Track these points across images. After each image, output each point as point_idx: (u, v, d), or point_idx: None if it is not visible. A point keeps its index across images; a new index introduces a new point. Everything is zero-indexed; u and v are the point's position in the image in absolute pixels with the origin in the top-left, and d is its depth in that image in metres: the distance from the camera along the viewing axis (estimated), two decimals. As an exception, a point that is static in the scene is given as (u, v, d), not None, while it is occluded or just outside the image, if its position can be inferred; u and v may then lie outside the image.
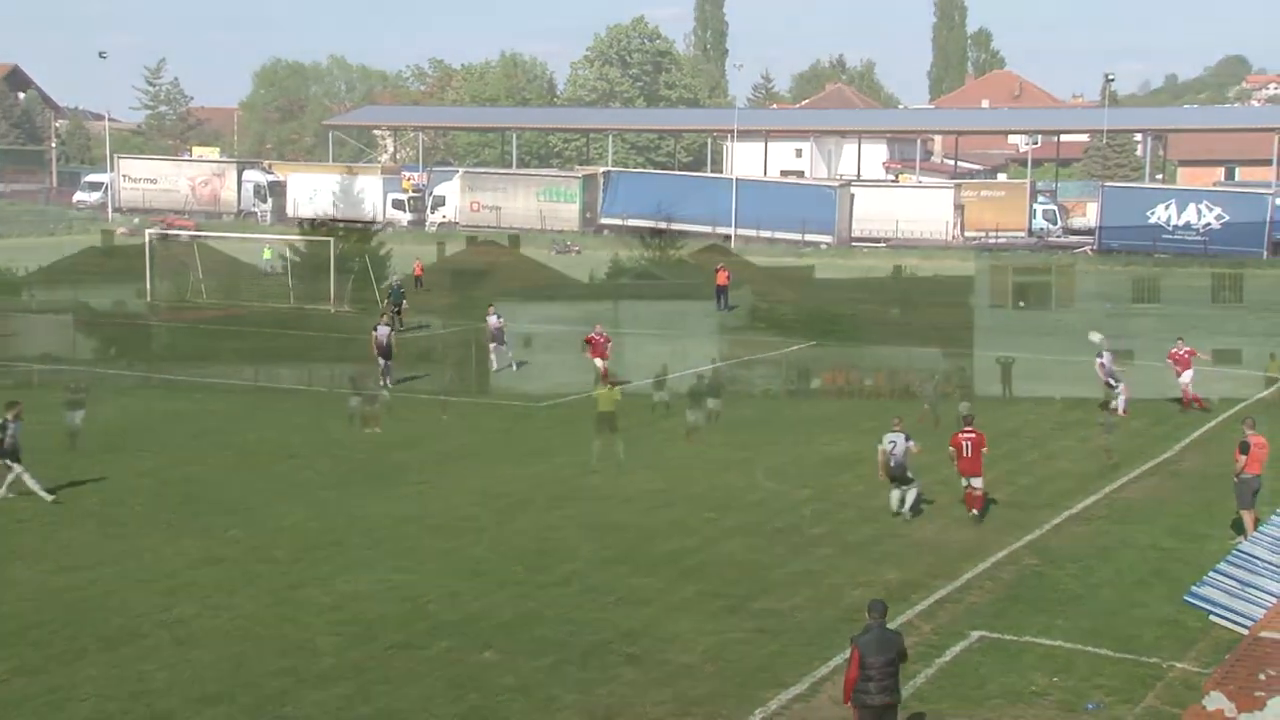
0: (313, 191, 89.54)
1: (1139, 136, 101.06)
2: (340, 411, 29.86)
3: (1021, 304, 50.73)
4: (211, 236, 64.19)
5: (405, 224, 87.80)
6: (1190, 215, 74.17)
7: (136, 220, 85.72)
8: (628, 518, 21.67)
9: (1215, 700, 12.39)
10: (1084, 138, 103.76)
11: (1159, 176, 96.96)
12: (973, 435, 21.55)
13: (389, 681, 14.64)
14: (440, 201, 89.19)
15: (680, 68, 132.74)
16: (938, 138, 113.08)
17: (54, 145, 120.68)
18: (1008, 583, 18.30)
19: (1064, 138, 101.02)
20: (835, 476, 24.68)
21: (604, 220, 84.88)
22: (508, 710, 13.98)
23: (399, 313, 41.56)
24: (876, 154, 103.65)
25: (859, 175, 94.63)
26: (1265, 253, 71.23)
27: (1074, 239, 79.78)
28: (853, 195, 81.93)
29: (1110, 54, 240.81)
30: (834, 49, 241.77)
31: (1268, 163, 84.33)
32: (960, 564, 18.95)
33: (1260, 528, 19.87)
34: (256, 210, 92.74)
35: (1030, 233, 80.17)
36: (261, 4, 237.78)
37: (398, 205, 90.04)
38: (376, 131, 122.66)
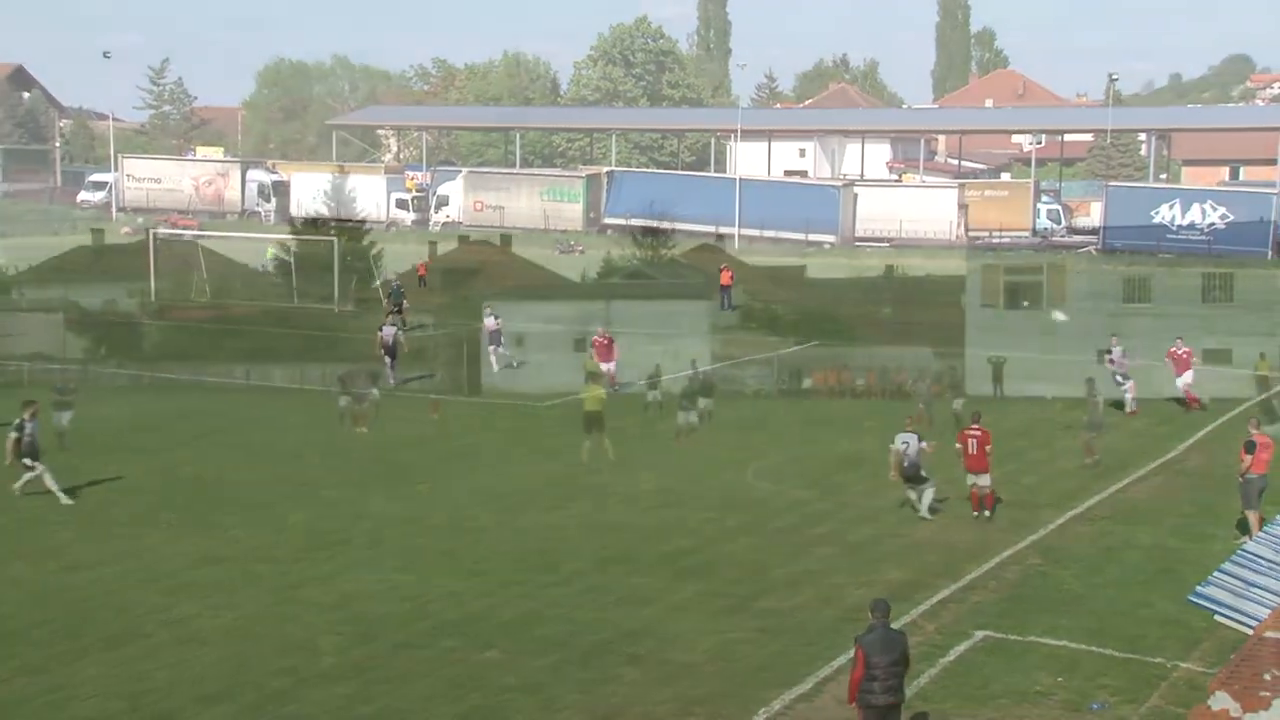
0: (316, 191, 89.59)
1: (1143, 136, 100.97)
2: (347, 411, 29.84)
3: (1025, 304, 50.61)
4: (215, 236, 64.18)
5: (409, 224, 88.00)
6: (1194, 215, 74.12)
7: (140, 220, 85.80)
8: (629, 517, 21.66)
9: (1220, 700, 12.34)
10: (1088, 137, 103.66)
11: (1163, 176, 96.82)
12: (978, 432, 21.55)
13: (391, 681, 14.61)
14: (444, 201, 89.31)
15: (684, 67, 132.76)
16: (941, 137, 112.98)
17: (58, 145, 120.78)
18: (1012, 582, 18.26)
19: (1068, 137, 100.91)
20: (837, 476, 24.65)
21: (607, 220, 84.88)
22: (509, 710, 13.94)
23: (399, 311, 41.58)
24: (880, 154, 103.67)
25: (862, 175, 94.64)
26: (1270, 252, 71.11)
27: (1078, 239, 79.74)
28: (856, 195, 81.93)
29: (1114, 53, 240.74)
30: (837, 48, 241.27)
31: (1272, 162, 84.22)
32: (964, 564, 18.90)
33: (1265, 528, 19.82)
34: (260, 210, 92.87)
35: (1034, 232, 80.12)
36: (265, 4, 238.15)
37: (401, 205, 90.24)
38: (380, 131, 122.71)
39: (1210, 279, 55.59)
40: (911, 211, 79.77)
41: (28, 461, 22.17)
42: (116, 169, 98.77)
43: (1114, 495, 23.28)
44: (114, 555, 19.29)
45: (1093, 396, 26.68)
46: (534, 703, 14.09)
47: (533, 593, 17.65)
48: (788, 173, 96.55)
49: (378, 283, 48.51)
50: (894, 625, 12.87)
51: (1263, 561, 18.19)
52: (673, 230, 60.14)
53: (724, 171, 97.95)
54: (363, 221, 55.81)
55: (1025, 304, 50.52)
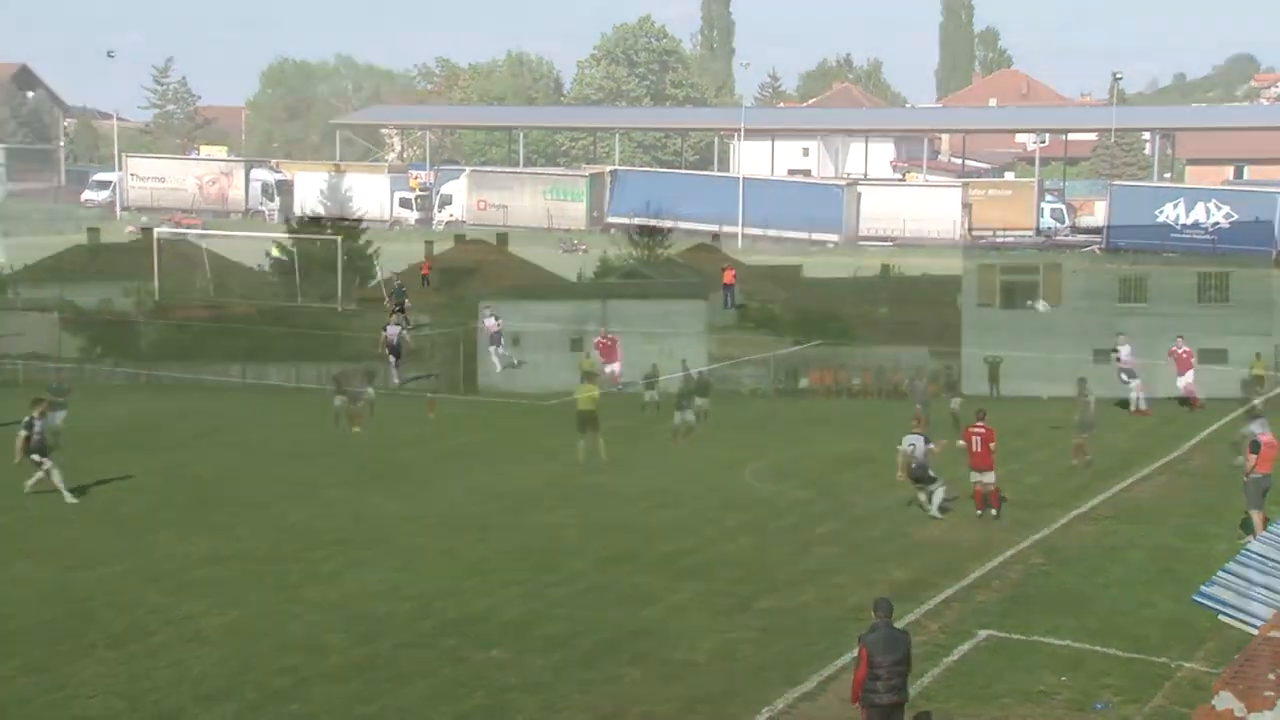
0: (317, 191, 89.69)
1: (1147, 135, 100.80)
2: (342, 411, 29.83)
3: (1029, 303, 50.51)
4: (219, 235, 64.15)
5: (413, 222, 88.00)
6: (1199, 214, 73.97)
7: (144, 219, 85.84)
8: (632, 517, 21.66)
9: (1224, 700, 12.30)
10: (1092, 137, 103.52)
11: (1167, 175, 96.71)
12: (982, 430, 21.55)
13: (393, 680, 14.61)
14: (447, 200, 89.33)
15: (687, 67, 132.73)
16: (945, 137, 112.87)
17: (62, 144, 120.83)
18: (1015, 582, 18.24)
19: (1072, 137, 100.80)
20: (836, 476, 24.63)
21: (611, 219, 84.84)
22: (511, 709, 13.93)
23: (401, 310, 41.58)
24: (884, 153, 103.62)
25: (866, 174, 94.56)
26: (1275, 252, 70.98)
27: (1082, 238, 79.64)
28: (860, 194, 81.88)
29: (1118, 53, 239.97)
30: (841, 48, 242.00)
31: (1276, 161, 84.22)
32: (967, 563, 18.88)
33: (1270, 527, 19.79)
34: (264, 209, 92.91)
35: (1038, 231, 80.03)
36: (269, 3, 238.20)
37: (405, 204, 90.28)
38: (384, 130, 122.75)
39: (1205, 279, 55.43)
40: (915, 211, 79.71)
41: (36, 458, 22.38)
42: (120, 168, 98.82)
43: (1117, 495, 23.26)
44: (119, 553, 19.32)
45: (1084, 396, 26.60)
46: (536, 702, 14.08)
47: (534, 592, 17.65)
48: (791, 172, 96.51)
49: (376, 281, 48.42)
50: (897, 625, 12.86)
51: (1267, 561, 18.15)
52: (671, 229, 59.93)
53: (727, 171, 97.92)
54: (359, 220, 55.69)
55: (1028, 303, 50.44)
